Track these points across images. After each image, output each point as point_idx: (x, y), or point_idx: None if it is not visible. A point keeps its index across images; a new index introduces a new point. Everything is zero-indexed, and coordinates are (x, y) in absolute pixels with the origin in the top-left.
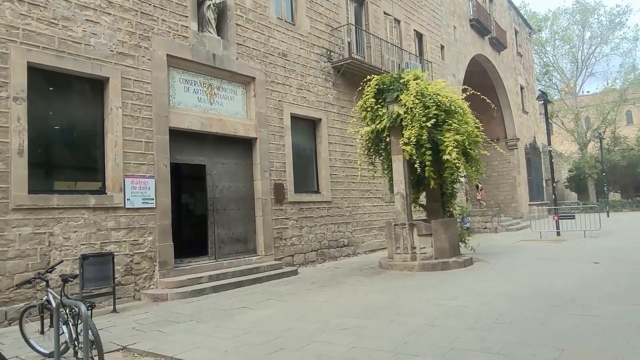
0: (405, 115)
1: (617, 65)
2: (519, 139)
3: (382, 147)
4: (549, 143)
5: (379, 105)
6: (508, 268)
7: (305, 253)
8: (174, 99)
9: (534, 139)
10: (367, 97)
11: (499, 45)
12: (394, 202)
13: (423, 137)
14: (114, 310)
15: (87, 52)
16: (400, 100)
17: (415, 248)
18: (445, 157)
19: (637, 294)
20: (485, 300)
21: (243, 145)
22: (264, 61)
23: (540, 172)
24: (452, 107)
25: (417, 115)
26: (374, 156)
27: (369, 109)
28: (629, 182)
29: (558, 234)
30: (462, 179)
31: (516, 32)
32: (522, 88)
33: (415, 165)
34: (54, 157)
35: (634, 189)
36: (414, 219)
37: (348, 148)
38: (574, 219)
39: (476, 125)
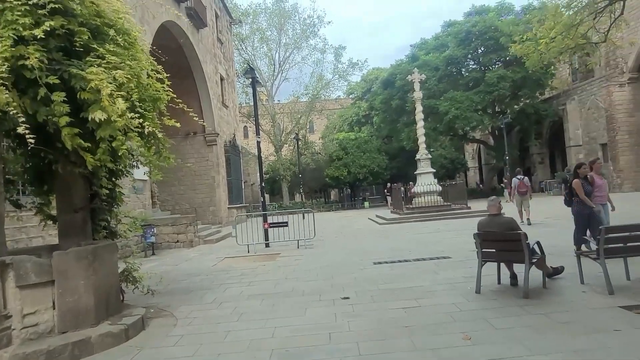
0: None
1: (309, 74)
2: (218, 134)
3: None
4: (258, 133)
5: None
6: (211, 334)
7: None
8: None
9: (234, 137)
10: None
11: (198, 20)
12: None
13: (32, 63)
14: None
15: None
16: None
17: (9, 317)
18: (96, 114)
19: None
20: None
21: None
22: None
23: (240, 173)
24: (106, 23)
25: (9, 11)
26: None
27: None
28: (315, 184)
29: (267, 245)
30: (142, 169)
31: (217, 16)
32: (222, 79)
33: (21, 129)
34: None
35: (319, 192)
36: (21, 248)
37: None
38: (287, 226)
39: (155, 71)
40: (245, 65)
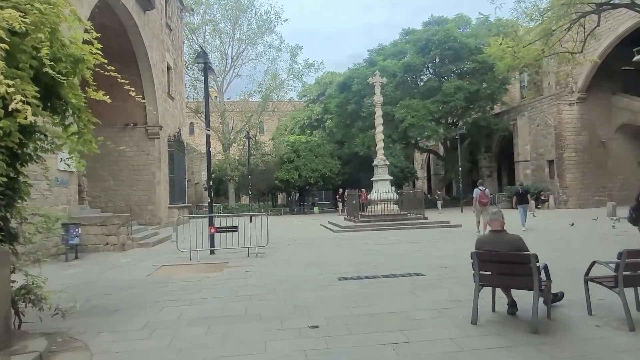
0: None
1: (263, 72)
2: (162, 127)
3: None
4: (208, 125)
5: None
6: None
7: None
8: None
9: (179, 131)
10: None
11: (144, 0)
12: None
13: None
14: None
15: None
16: None
17: None
18: None
19: None
20: None
21: None
22: None
23: (184, 171)
24: None
25: None
26: None
27: None
28: (264, 186)
29: (212, 252)
30: (61, 155)
31: (167, 0)
32: (169, 68)
33: None
34: None
35: (267, 194)
36: None
37: None
38: (236, 231)
39: (86, 30)
40: (195, 56)
